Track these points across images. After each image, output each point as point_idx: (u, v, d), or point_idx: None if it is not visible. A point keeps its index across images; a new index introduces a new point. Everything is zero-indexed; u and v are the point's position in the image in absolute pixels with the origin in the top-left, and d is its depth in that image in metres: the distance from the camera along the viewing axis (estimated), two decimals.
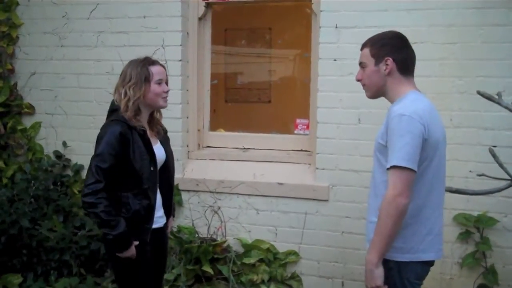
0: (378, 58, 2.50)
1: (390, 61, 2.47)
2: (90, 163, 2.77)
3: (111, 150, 2.75)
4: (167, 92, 2.96)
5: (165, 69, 3.01)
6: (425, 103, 2.44)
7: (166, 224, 3.13)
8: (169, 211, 3.16)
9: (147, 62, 2.92)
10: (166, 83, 2.99)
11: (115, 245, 2.82)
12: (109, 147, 2.75)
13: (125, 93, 2.84)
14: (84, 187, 2.75)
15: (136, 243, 2.84)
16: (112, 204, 2.77)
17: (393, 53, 2.48)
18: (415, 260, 2.43)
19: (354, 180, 3.97)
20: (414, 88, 2.52)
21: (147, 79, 2.87)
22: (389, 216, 2.28)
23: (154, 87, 2.88)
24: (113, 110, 2.91)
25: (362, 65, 2.59)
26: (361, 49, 2.60)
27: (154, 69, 2.91)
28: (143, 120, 2.93)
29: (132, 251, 2.83)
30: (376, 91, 2.57)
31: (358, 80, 2.63)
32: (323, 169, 4.05)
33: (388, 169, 2.32)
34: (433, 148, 2.38)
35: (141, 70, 2.87)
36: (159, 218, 3.02)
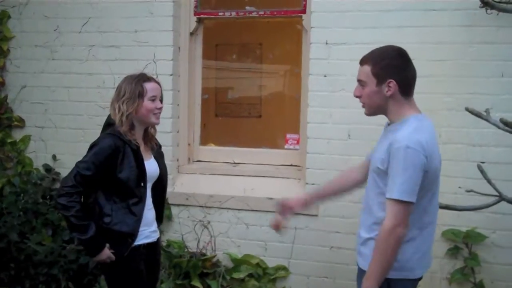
0: (380, 78, 2.42)
1: (393, 83, 2.41)
2: (74, 167, 2.81)
3: (96, 160, 2.78)
4: (160, 109, 2.95)
5: (160, 86, 3.01)
6: (428, 130, 2.42)
7: (159, 239, 3.12)
8: (159, 222, 3.17)
9: (142, 78, 2.93)
10: (161, 100, 2.99)
11: (86, 249, 2.86)
12: (96, 157, 2.79)
13: (119, 108, 2.86)
14: (60, 187, 2.80)
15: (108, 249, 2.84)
16: (93, 213, 2.82)
17: (396, 74, 2.41)
18: (404, 277, 2.45)
19: (344, 195, 3.96)
20: (416, 111, 2.48)
21: (140, 95, 2.87)
22: (389, 246, 2.32)
23: (147, 103, 2.88)
24: (109, 124, 2.92)
25: (361, 83, 2.51)
26: (361, 65, 2.51)
27: (148, 85, 2.91)
28: (138, 136, 2.94)
29: (105, 255, 2.83)
30: (376, 111, 2.54)
31: (356, 97, 2.56)
32: (313, 184, 4.04)
33: (388, 198, 2.33)
34: (431, 178, 2.41)
35: (135, 86, 2.87)
36: (152, 233, 3.02)
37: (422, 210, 2.42)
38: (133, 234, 2.89)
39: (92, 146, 2.85)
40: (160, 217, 3.17)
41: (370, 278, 2.37)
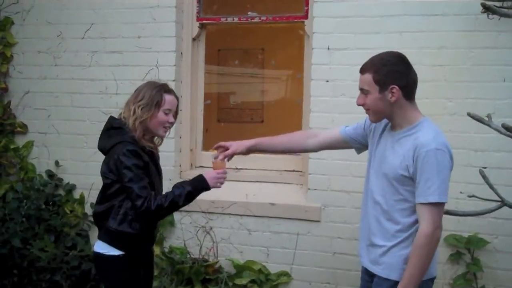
0: (382, 85, 2.44)
1: (396, 89, 2.42)
2: (128, 189, 2.75)
3: (139, 169, 2.76)
4: (171, 123, 2.94)
5: (178, 101, 2.99)
6: (442, 132, 2.48)
7: (152, 247, 3.14)
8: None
9: (163, 88, 2.91)
10: (175, 116, 2.98)
11: (199, 190, 2.89)
12: (137, 168, 2.75)
13: (134, 111, 2.84)
14: (137, 211, 2.76)
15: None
16: (125, 219, 2.82)
17: (398, 80, 2.43)
18: (430, 277, 2.51)
19: (346, 201, 3.98)
20: (421, 114, 2.52)
21: (158, 104, 2.86)
22: (430, 250, 2.37)
23: (161, 114, 2.87)
24: (114, 127, 2.88)
25: (364, 91, 2.51)
26: (361, 73, 2.52)
27: (168, 97, 2.90)
28: (150, 144, 2.93)
29: (212, 179, 2.90)
30: (382, 116, 2.56)
31: (359, 105, 2.57)
32: (315, 189, 4.06)
33: (423, 203, 2.35)
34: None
35: (155, 94, 2.86)
36: None
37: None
38: (153, 240, 3.03)
39: (122, 161, 2.74)
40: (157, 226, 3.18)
41: (410, 284, 2.39)
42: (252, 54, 6.33)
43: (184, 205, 2.85)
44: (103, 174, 2.86)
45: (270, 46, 6.08)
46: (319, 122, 4.01)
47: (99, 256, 2.90)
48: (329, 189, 4.03)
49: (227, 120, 6.26)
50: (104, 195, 2.89)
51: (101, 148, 2.93)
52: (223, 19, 4.48)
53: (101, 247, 2.88)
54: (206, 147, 4.68)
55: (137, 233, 2.84)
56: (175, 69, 4.36)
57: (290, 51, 5.86)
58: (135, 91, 2.93)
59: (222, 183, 2.96)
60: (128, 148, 2.76)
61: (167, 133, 2.99)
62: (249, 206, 4.21)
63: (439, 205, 2.35)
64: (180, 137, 4.48)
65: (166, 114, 2.89)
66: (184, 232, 4.37)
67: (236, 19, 4.45)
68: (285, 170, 4.40)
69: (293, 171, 4.38)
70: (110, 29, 4.47)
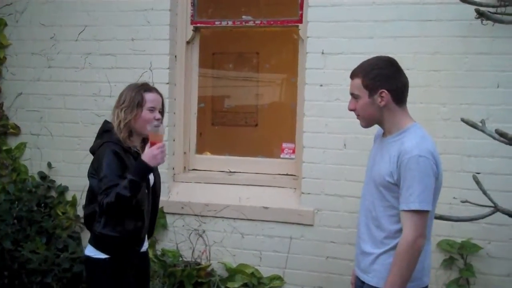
0: (371, 90, 2.42)
1: (385, 93, 2.40)
2: (97, 187, 2.73)
3: (114, 170, 2.71)
4: (158, 119, 2.90)
5: (161, 97, 2.96)
6: (430, 137, 2.42)
7: (147, 249, 3.09)
8: (150, 234, 3.11)
9: (143, 88, 2.91)
10: (161, 112, 2.95)
11: (144, 177, 2.75)
12: (111, 168, 2.71)
13: (117, 115, 2.84)
14: (100, 205, 2.71)
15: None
16: (108, 222, 2.78)
17: (387, 84, 2.40)
18: (423, 286, 2.47)
19: (339, 205, 3.96)
20: (410, 119, 2.47)
21: (139, 104, 2.84)
22: (412, 258, 2.31)
23: (145, 113, 2.85)
24: (106, 130, 2.90)
25: (354, 96, 2.49)
26: (351, 78, 2.51)
27: (148, 95, 2.88)
28: (136, 144, 2.92)
29: (153, 159, 2.70)
30: (372, 122, 2.53)
31: (351, 110, 2.54)
32: (309, 193, 4.04)
33: (405, 210, 2.31)
34: (439, 183, 2.42)
35: (135, 95, 2.85)
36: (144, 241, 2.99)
37: (430, 218, 2.42)
38: (141, 242, 2.94)
39: (100, 162, 2.73)
40: (152, 228, 3.11)
41: None
42: (246, 58, 6.33)
43: (135, 195, 2.69)
44: (89, 174, 2.85)
45: (265, 50, 6.08)
46: (313, 126, 4.00)
47: (87, 259, 2.87)
48: (323, 193, 4.01)
49: (221, 123, 6.25)
50: (89, 197, 2.86)
51: (91, 151, 2.93)
52: (217, 23, 4.46)
53: (89, 250, 2.85)
54: (200, 150, 4.67)
55: (121, 236, 2.80)
56: (169, 72, 4.33)
57: (284, 55, 5.87)
58: (118, 95, 2.93)
59: (163, 157, 2.76)
60: (109, 148, 2.75)
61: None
62: (242, 210, 4.19)
63: (421, 212, 2.29)
64: (174, 140, 4.45)
65: (151, 111, 2.87)
66: (177, 235, 4.34)
67: (230, 23, 4.43)
68: (279, 174, 4.38)
69: (287, 174, 4.37)
70: (104, 31, 4.44)
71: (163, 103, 2.98)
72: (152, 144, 2.75)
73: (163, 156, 2.75)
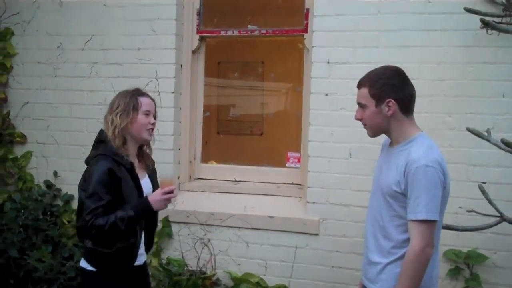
0: (378, 99, 2.43)
1: (392, 102, 2.41)
2: (84, 203, 2.69)
3: (103, 187, 2.68)
4: (153, 124, 2.91)
5: (154, 102, 2.99)
6: (437, 147, 2.42)
7: (145, 262, 3.06)
8: (149, 248, 3.06)
9: (137, 92, 2.92)
10: (154, 117, 2.96)
11: (144, 216, 2.81)
12: (100, 185, 2.68)
13: (112, 121, 2.82)
14: (82, 226, 2.68)
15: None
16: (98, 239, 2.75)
17: (394, 93, 2.42)
18: None
19: (345, 214, 3.96)
20: (417, 129, 2.48)
21: (135, 108, 2.85)
22: (419, 268, 2.30)
23: (141, 117, 2.85)
24: (100, 141, 2.87)
25: (361, 105, 2.51)
26: (358, 88, 2.52)
27: (143, 99, 2.90)
28: (131, 152, 2.89)
29: (158, 202, 2.76)
30: (378, 131, 2.54)
31: (357, 119, 2.56)
32: (314, 202, 4.04)
33: (413, 220, 2.31)
34: (446, 193, 2.42)
35: (130, 100, 2.86)
36: (139, 256, 2.93)
37: (437, 228, 2.42)
38: (133, 258, 2.88)
39: (89, 177, 2.71)
40: (150, 242, 3.06)
41: None
42: (252, 67, 6.34)
43: (128, 230, 2.72)
44: (79, 187, 2.80)
45: (270, 59, 6.09)
46: (318, 135, 4.00)
47: (81, 270, 2.88)
48: (328, 203, 4.00)
49: (226, 132, 6.26)
50: (80, 210, 2.77)
51: (86, 162, 2.88)
52: (223, 32, 4.48)
53: (82, 262, 2.86)
54: (205, 159, 4.68)
55: (113, 252, 2.77)
56: (175, 81, 4.35)
57: (289, 64, 5.87)
58: (109, 105, 2.92)
59: (167, 204, 2.83)
60: (102, 163, 2.72)
61: (152, 136, 2.97)
62: (247, 219, 4.19)
63: (428, 222, 2.29)
64: (179, 149, 4.46)
65: (146, 115, 2.88)
66: (182, 244, 4.34)
67: (236, 32, 4.45)
68: (284, 183, 4.39)
69: (292, 184, 4.37)
70: (110, 40, 4.47)
71: (155, 108, 2.99)
72: (163, 187, 2.80)
73: (168, 203, 2.81)
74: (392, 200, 2.41)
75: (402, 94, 2.43)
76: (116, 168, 2.74)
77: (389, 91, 2.42)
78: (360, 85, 2.52)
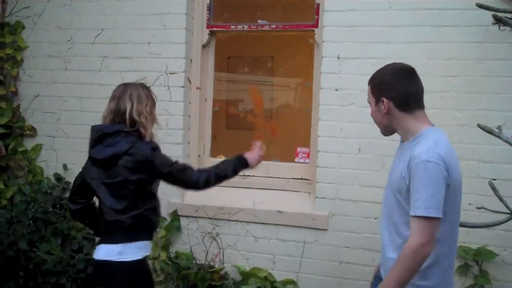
0: (376, 97, 2.48)
1: (385, 101, 2.44)
2: (174, 170, 2.90)
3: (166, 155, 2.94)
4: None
5: None
6: (445, 142, 2.39)
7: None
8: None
9: (148, 87, 3.03)
10: None
11: (242, 166, 3.19)
12: (164, 155, 2.93)
13: (150, 113, 2.95)
14: (191, 184, 2.97)
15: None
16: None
17: (387, 91, 2.44)
18: None
19: (354, 210, 3.96)
20: (427, 124, 2.46)
21: (154, 104, 3.01)
22: (413, 264, 2.26)
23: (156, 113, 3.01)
24: (124, 131, 2.87)
25: (369, 103, 2.58)
26: (368, 84, 2.58)
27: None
28: None
29: (254, 159, 3.22)
30: (385, 129, 2.56)
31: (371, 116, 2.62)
32: (323, 198, 4.04)
33: (413, 216, 2.29)
34: (455, 191, 2.37)
35: (149, 93, 3.00)
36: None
37: (452, 225, 2.41)
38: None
39: (156, 151, 2.88)
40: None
41: None
42: (261, 62, 6.35)
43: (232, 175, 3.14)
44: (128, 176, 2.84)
45: (280, 54, 6.09)
46: (328, 130, 4.00)
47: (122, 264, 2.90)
48: (337, 198, 4.01)
49: (235, 127, 6.27)
50: (130, 193, 2.87)
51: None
52: (233, 27, 4.48)
53: (126, 252, 2.88)
54: (214, 153, 4.68)
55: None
56: (185, 75, 4.36)
57: (299, 59, 5.87)
58: (131, 97, 2.91)
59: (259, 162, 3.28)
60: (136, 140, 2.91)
61: None
62: (256, 213, 4.20)
63: (429, 219, 2.25)
64: (188, 143, 4.48)
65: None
66: (191, 238, 4.36)
67: (246, 27, 4.45)
68: (293, 178, 4.38)
69: (301, 179, 4.36)
70: (120, 34, 4.48)
71: None
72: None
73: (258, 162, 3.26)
74: (400, 197, 2.41)
75: (396, 91, 2.43)
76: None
77: (382, 89, 2.46)
78: (368, 82, 2.57)
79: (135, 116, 2.87)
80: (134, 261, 2.84)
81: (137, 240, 2.88)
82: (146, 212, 2.89)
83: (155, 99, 3.02)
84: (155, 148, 2.87)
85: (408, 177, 2.34)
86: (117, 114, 2.90)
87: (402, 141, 2.56)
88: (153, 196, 2.97)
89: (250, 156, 3.19)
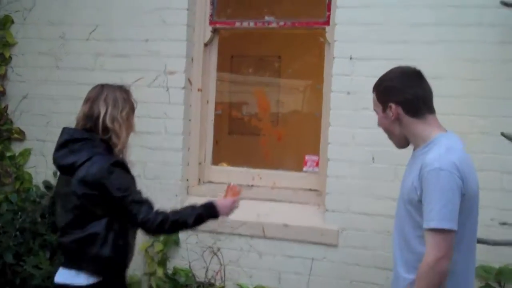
0: (383, 104, 2.52)
1: (393, 106, 2.47)
2: (128, 199, 2.70)
3: (132, 180, 2.81)
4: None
5: None
6: (459, 149, 2.40)
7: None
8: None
9: (128, 90, 2.95)
10: None
11: (207, 217, 2.93)
12: (128, 178, 2.79)
13: (126, 120, 2.84)
14: (141, 221, 2.71)
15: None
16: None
17: (395, 96, 2.47)
18: None
19: (367, 224, 3.96)
20: (439, 129, 2.48)
21: (133, 110, 2.92)
22: (432, 282, 2.27)
23: (134, 120, 2.95)
24: (80, 139, 2.81)
25: (375, 111, 2.61)
26: (372, 92, 2.62)
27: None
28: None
29: (226, 207, 2.99)
30: (399, 139, 2.58)
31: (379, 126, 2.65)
32: (333, 211, 4.05)
33: (426, 229, 2.30)
34: (470, 201, 2.38)
35: (128, 97, 2.91)
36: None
37: (469, 237, 2.42)
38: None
39: (113, 165, 2.72)
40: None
41: None
42: (267, 62, 6.37)
43: (193, 226, 2.91)
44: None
45: (288, 54, 6.11)
46: (339, 137, 4.02)
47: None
48: (349, 211, 4.02)
49: (238, 132, 6.28)
50: (83, 217, 2.77)
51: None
52: (237, 24, 4.52)
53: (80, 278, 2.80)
54: (215, 160, 4.71)
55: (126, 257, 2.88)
56: (185, 76, 4.39)
57: (309, 59, 5.90)
58: (106, 100, 2.83)
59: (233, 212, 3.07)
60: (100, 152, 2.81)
61: None
62: (260, 227, 4.21)
63: (443, 232, 2.25)
64: (188, 150, 4.50)
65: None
66: (190, 253, 4.38)
67: (251, 24, 4.49)
68: (301, 189, 4.39)
69: (309, 190, 4.37)
70: (117, 31, 4.52)
71: None
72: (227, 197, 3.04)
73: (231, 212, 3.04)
74: (412, 208, 2.42)
75: (403, 96, 2.46)
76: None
77: (389, 94, 2.49)
78: (373, 89, 2.61)
79: (108, 122, 2.78)
80: (92, 284, 2.75)
81: (83, 270, 2.76)
82: (91, 240, 2.73)
83: (134, 104, 2.93)
84: (115, 165, 2.73)
85: (419, 187, 2.35)
86: (89, 119, 2.83)
87: (414, 149, 2.58)
88: (112, 226, 2.75)
89: (222, 204, 2.97)
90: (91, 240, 2.72)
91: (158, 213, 2.73)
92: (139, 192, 2.77)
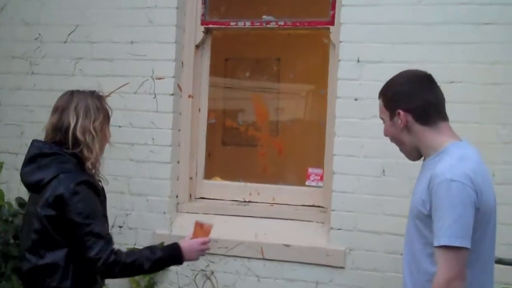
0: (391, 110, 2.53)
1: (402, 113, 2.48)
2: (87, 229, 2.61)
3: (98, 206, 2.72)
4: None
5: None
6: (474, 159, 2.40)
7: None
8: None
9: (102, 97, 2.91)
10: None
11: (168, 264, 2.92)
12: (94, 204, 2.70)
13: (100, 130, 2.80)
14: (91, 257, 2.62)
15: None
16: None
17: (404, 103, 2.48)
18: None
19: (376, 243, 3.96)
20: (452, 137, 2.48)
21: (108, 117, 2.89)
22: None
23: (109, 130, 2.91)
24: (47, 154, 2.77)
25: (382, 119, 2.63)
26: (378, 98, 2.63)
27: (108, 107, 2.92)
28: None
29: (192, 252, 2.87)
30: (408, 149, 2.59)
31: (386, 136, 2.66)
32: (339, 229, 4.04)
33: (437, 246, 2.28)
34: (486, 216, 2.37)
35: (102, 105, 2.86)
36: None
37: (486, 256, 2.41)
38: None
39: (79, 184, 2.65)
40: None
41: None
42: (265, 65, 6.38)
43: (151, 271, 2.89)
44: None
45: (288, 56, 6.12)
46: (345, 148, 4.01)
47: None
48: (356, 229, 4.01)
49: (233, 143, 6.28)
50: (45, 242, 2.72)
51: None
52: (232, 24, 4.52)
53: None
54: (208, 174, 4.69)
55: None
56: (174, 81, 4.39)
57: (311, 62, 5.89)
58: (76, 109, 2.78)
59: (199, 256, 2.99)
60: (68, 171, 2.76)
61: None
62: (258, 247, 4.20)
63: (454, 249, 2.24)
64: (178, 162, 4.49)
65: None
66: (180, 277, 4.35)
67: (248, 24, 4.49)
68: (303, 205, 4.39)
69: (313, 206, 4.37)
70: (98, 32, 4.52)
71: None
72: (196, 236, 2.90)
73: (204, 255, 2.97)
74: (421, 224, 2.41)
75: (413, 102, 2.48)
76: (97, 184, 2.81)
77: (398, 100, 2.51)
78: (378, 95, 2.63)
79: (78, 134, 2.73)
80: None
81: None
82: (49, 271, 2.67)
83: (109, 112, 2.89)
84: (82, 184, 2.66)
85: (428, 200, 2.35)
86: (58, 131, 2.79)
87: (424, 159, 2.58)
88: (74, 256, 2.67)
89: (188, 247, 2.88)
90: (50, 271, 2.66)
91: (114, 253, 2.64)
92: (101, 224, 2.69)
